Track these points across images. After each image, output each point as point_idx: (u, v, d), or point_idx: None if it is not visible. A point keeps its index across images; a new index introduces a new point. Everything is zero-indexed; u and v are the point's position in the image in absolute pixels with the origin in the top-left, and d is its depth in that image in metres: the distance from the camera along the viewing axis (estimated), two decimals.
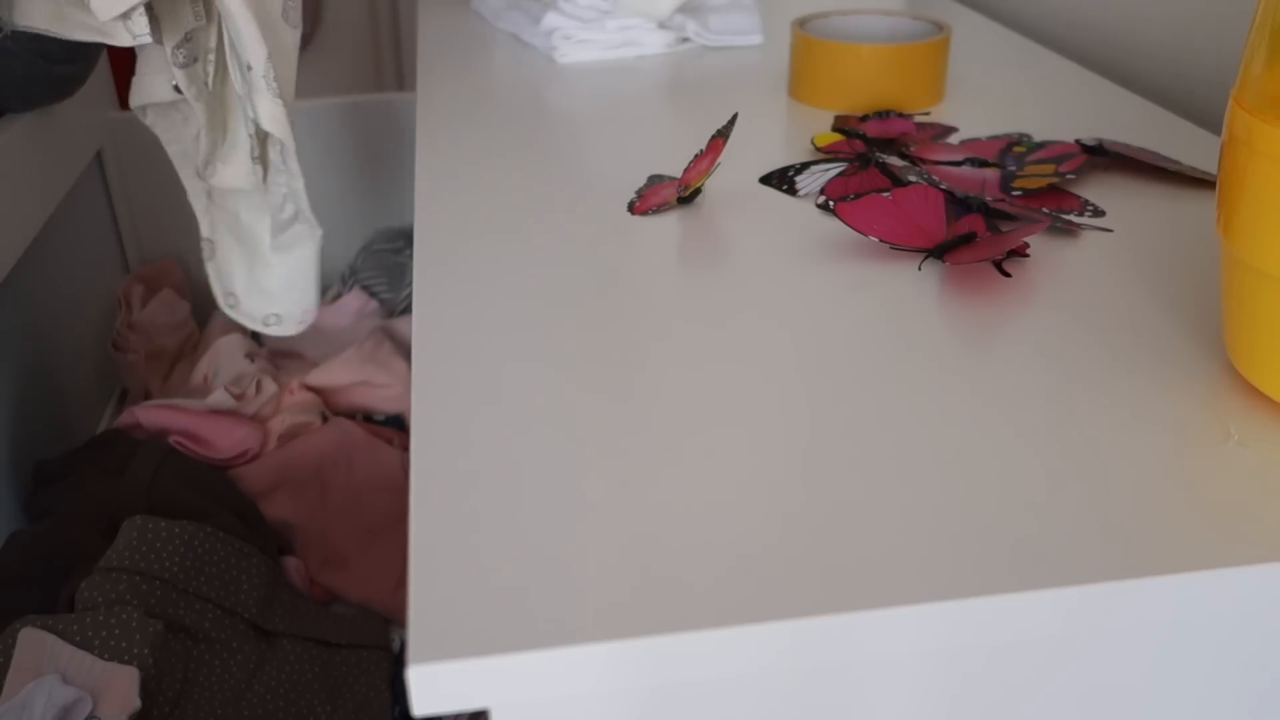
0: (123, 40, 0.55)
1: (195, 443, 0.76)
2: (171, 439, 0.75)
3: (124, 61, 1.02)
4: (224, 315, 0.96)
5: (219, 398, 0.78)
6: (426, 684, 0.26)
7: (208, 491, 0.69)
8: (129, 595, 0.56)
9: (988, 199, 0.46)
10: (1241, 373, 0.35)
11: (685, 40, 0.75)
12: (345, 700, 0.61)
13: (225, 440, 0.76)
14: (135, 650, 0.53)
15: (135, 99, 0.64)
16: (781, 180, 0.52)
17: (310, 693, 0.60)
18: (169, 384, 0.90)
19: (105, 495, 0.67)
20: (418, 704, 0.26)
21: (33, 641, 0.52)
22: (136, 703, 0.51)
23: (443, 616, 0.27)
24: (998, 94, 0.64)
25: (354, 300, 0.96)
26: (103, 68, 0.93)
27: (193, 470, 0.71)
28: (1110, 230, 0.47)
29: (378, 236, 1.01)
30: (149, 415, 0.76)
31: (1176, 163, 0.52)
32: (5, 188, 0.70)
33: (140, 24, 0.54)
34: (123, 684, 0.52)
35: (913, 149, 0.54)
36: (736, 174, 0.53)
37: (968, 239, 0.44)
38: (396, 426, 0.84)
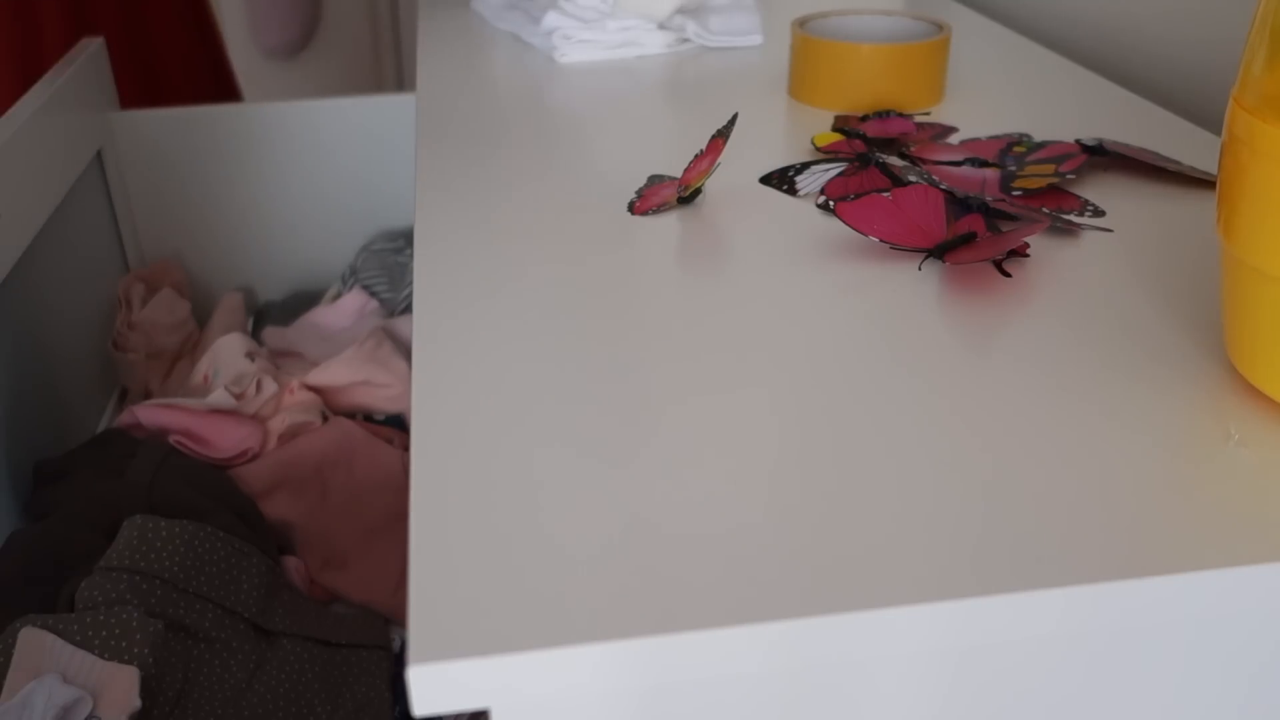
0: None
1: (195, 442, 0.76)
2: (172, 438, 0.75)
3: (125, 61, 1.02)
4: (224, 315, 0.96)
5: (219, 397, 0.78)
6: (426, 684, 0.26)
7: (208, 491, 0.69)
8: (129, 595, 0.56)
9: (988, 199, 0.46)
10: (1242, 373, 0.35)
11: (686, 41, 0.75)
12: (346, 700, 0.61)
13: (225, 440, 0.76)
14: (135, 650, 0.53)
15: None
16: (781, 180, 0.52)
17: (311, 692, 0.60)
18: (169, 383, 0.89)
19: (105, 495, 0.67)
20: (418, 704, 0.26)
21: (33, 641, 0.52)
22: (137, 702, 0.51)
23: (443, 616, 0.27)
24: (998, 94, 0.64)
25: (354, 300, 0.95)
26: (104, 68, 0.93)
27: (193, 470, 0.71)
28: (1110, 230, 0.47)
29: (378, 236, 1.02)
30: (149, 414, 0.76)
31: (1176, 163, 0.52)
32: (5, 187, 0.70)
33: None
34: (123, 684, 0.52)
35: (913, 149, 0.54)
36: (736, 174, 0.53)
37: (968, 239, 0.44)
38: (397, 426, 0.84)
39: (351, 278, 0.98)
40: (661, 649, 0.26)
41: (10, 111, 0.75)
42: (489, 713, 0.27)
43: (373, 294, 0.96)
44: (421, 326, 0.40)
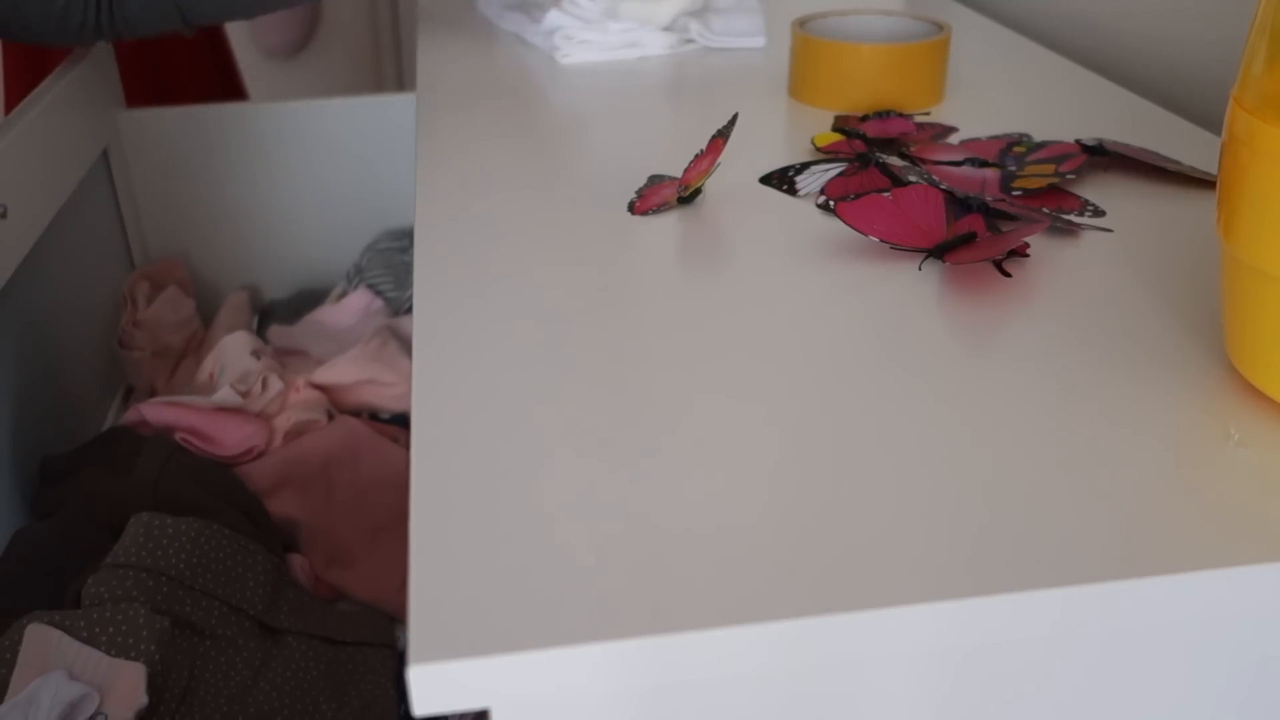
0: None
1: (201, 440, 0.76)
2: (178, 436, 0.75)
3: (131, 60, 1.02)
4: (230, 313, 0.96)
5: (225, 395, 0.79)
6: (426, 684, 0.26)
7: (214, 489, 0.69)
8: (135, 592, 0.56)
9: (988, 199, 0.46)
10: (1241, 373, 0.35)
11: (688, 41, 0.75)
12: (351, 698, 0.61)
13: (231, 437, 0.76)
14: (142, 647, 0.53)
15: None
16: (781, 180, 0.52)
17: (316, 690, 0.60)
18: (174, 381, 0.90)
19: (111, 492, 0.67)
20: (418, 703, 0.26)
21: (39, 637, 0.53)
22: (143, 699, 0.51)
23: (443, 616, 0.27)
24: (998, 94, 0.64)
25: (359, 299, 0.96)
26: (110, 67, 0.93)
27: (199, 467, 0.71)
28: (1110, 230, 0.47)
29: (383, 235, 1.02)
30: (155, 412, 0.76)
31: (1176, 163, 0.52)
32: (12, 185, 0.70)
33: None
34: (129, 680, 0.52)
35: (913, 149, 0.54)
36: (736, 174, 0.53)
37: (968, 239, 0.44)
38: (402, 425, 0.84)
39: (356, 276, 0.98)
40: (661, 649, 0.27)
41: (17, 109, 0.76)
42: (489, 713, 0.27)
43: (378, 293, 0.96)
44: (421, 326, 0.40)
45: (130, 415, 0.77)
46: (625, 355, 0.38)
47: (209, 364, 0.86)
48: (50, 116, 0.79)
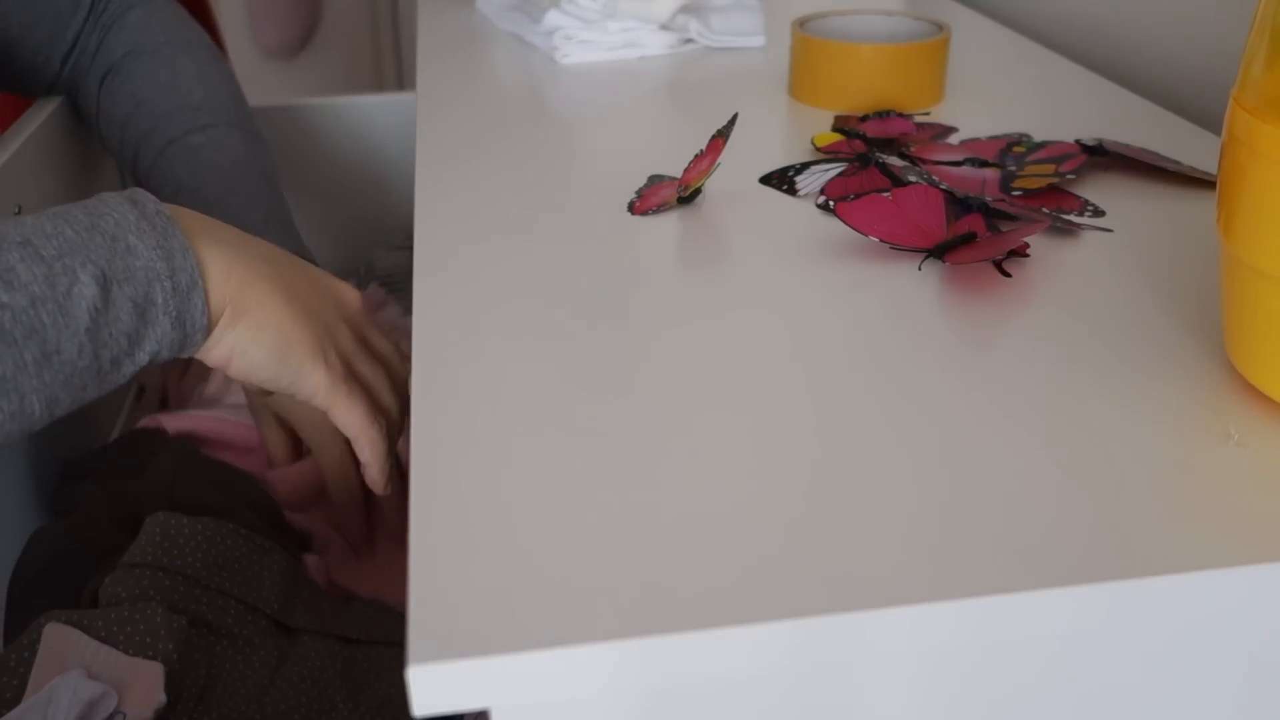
0: None
1: (214, 442, 0.76)
2: (191, 440, 0.76)
3: None
4: None
5: (240, 398, 0.79)
6: (426, 684, 0.26)
7: (229, 489, 0.69)
8: (152, 591, 0.56)
9: (988, 199, 0.46)
10: (1241, 373, 0.35)
11: (688, 41, 0.75)
12: (367, 696, 0.61)
13: (244, 437, 0.77)
14: (160, 646, 0.53)
15: None
16: (781, 180, 0.52)
17: (332, 689, 0.60)
18: (185, 381, 0.90)
19: (128, 492, 0.68)
20: (417, 704, 0.26)
21: (57, 637, 0.52)
22: (162, 697, 0.51)
23: (443, 617, 0.27)
24: (998, 94, 0.64)
25: (371, 297, 0.96)
26: None
27: (214, 468, 0.71)
28: (1110, 230, 0.47)
29: (393, 234, 1.02)
30: (174, 422, 0.77)
31: (1176, 163, 0.52)
32: (24, 185, 0.71)
33: None
34: (148, 679, 0.52)
35: (913, 149, 0.54)
36: (736, 174, 0.53)
37: (968, 239, 0.44)
38: None
39: (368, 275, 0.98)
40: (663, 649, 0.26)
41: (27, 112, 0.76)
42: (489, 713, 0.27)
43: (390, 291, 0.96)
44: (421, 326, 0.40)
45: (146, 423, 0.77)
46: (626, 355, 0.38)
47: None
48: (63, 117, 0.79)
